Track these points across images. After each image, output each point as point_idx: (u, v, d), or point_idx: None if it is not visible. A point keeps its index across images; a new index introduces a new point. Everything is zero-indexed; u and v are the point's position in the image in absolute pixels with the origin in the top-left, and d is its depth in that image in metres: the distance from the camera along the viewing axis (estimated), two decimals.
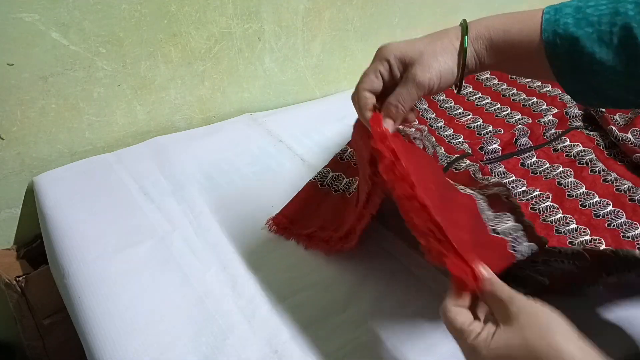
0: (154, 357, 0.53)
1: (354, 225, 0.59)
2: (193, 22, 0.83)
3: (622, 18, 0.42)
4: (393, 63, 0.48)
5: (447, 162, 0.72)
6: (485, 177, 0.69)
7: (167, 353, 0.54)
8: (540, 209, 0.68)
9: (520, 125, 0.82)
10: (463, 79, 0.49)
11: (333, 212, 0.68)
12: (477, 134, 0.83)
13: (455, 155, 0.74)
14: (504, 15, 0.48)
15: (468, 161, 0.73)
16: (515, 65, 0.49)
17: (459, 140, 0.81)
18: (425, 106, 0.90)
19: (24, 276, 0.78)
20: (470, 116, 0.88)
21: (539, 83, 0.98)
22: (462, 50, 0.47)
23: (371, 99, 0.49)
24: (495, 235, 0.51)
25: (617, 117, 0.84)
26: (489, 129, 0.83)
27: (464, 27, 0.47)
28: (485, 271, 0.40)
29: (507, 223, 0.53)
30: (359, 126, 0.53)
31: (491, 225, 0.52)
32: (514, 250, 0.50)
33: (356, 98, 0.50)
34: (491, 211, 0.55)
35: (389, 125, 0.48)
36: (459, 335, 0.40)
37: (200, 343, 0.55)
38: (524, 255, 0.50)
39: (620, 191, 0.70)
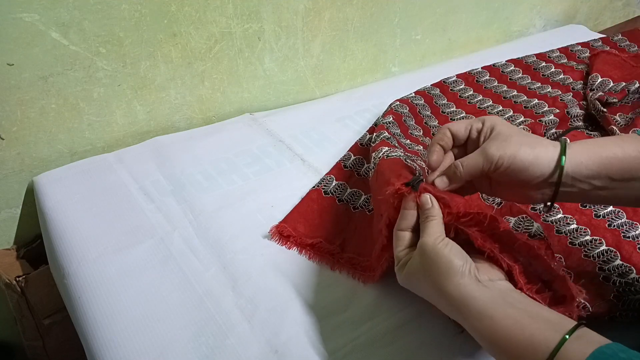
0: (154, 357, 0.53)
1: (378, 257, 0.58)
2: (193, 22, 0.83)
3: None
4: (486, 127, 0.48)
5: None
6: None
7: (167, 353, 0.54)
8: (541, 209, 0.68)
9: (522, 126, 0.82)
10: (555, 197, 0.46)
11: (336, 223, 0.68)
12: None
13: None
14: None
15: None
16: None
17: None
18: (428, 113, 0.89)
19: (24, 276, 0.78)
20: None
21: (539, 84, 0.98)
22: (559, 166, 0.44)
23: (448, 140, 0.50)
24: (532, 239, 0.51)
25: (617, 117, 0.84)
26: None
27: (563, 146, 0.45)
28: (425, 198, 0.47)
29: (534, 225, 0.53)
30: (391, 163, 0.53)
31: (524, 231, 0.52)
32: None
33: (437, 133, 0.50)
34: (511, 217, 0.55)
35: (441, 182, 0.49)
36: (396, 261, 0.48)
37: (200, 343, 0.55)
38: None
39: None
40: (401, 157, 0.61)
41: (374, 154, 0.67)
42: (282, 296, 0.60)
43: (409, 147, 0.74)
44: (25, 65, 0.72)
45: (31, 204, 0.82)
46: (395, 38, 1.09)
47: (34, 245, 0.85)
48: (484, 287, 0.42)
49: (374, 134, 0.75)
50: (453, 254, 0.43)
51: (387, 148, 0.65)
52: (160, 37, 0.81)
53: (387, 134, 0.73)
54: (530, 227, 0.58)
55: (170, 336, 0.55)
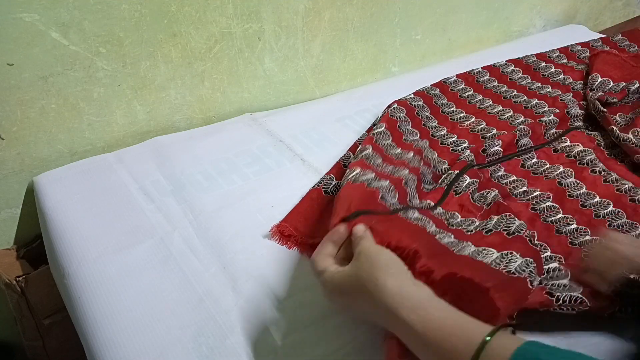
0: (154, 357, 0.53)
1: None
2: (193, 22, 0.83)
3: None
4: None
5: (447, 184, 0.70)
6: (484, 197, 0.67)
7: (167, 353, 0.54)
8: (541, 209, 0.68)
9: (521, 126, 0.82)
10: None
11: None
12: (482, 137, 0.82)
13: (456, 172, 0.72)
14: None
15: (468, 178, 0.71)
16: None
17: (464, 146, 0.80)
18: (427, 113, 0.88)
19: (24, 276, 0.78)
20: (473, 119, 0.87)
21: (539, 84, 0.98)
22: None
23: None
24: (510, 275, 0.51)
25: (617, 117, 0.84)
26: (492, 132, 0.83)
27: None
28: (359, 227, 0.49)
29: (517, 262, 0.53)
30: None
31: (502, 268, 0.52)
32: (532, 286, 0.51)
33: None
34: (497, 253, 0.54)
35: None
36: (318, 275, 0.48)
37: (200, 343, 0.55)
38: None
39: (621, 191, 0.69)
40: (365, 183, 0.61)
41: (347, 171, 0.67)
42: (282, 296, 0.60)
43: (397, 158, 0.73)
44: (25, 65, 0.72)
45: (31, 204, 0.82)
46: (395, 38, 1.09)
47: (34, 245, 0.85)
48: (420, 286, 0.44)
49: (359, 147, 0.74)
50: (394, 255, 0.47)
51: (358, 170, 0.64)
52: (160, 37, 0.81)
53: (369, 150, 0.71)
54: (511, 225, 0.59)
55: (170, 336, 0.55)
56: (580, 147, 0.78)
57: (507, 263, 0.52)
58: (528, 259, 0.53)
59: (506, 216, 0.61)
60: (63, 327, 0.82)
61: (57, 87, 0.76)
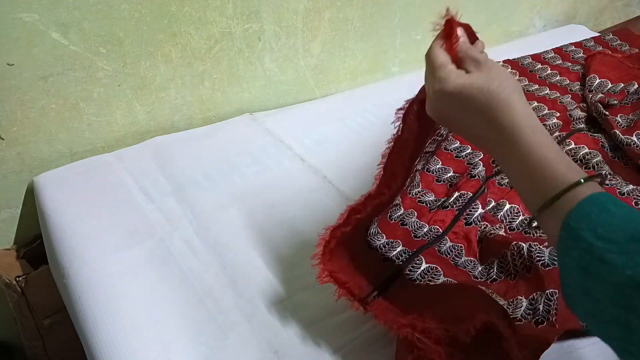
0: (154, 357, 0.53)
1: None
2: (193, 22, 0.83)
3: None
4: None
5: (458, 208, 0.67)
6: (495, 231, 0.66)
7: (167, 353, 0.54)
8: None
9: None
10: None
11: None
12: None
13: (469, 196, 0.68)
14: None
15: (480, 208, 0.67)
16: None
17: (478, 159, 0.75)
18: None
19: (24, 276, 0.78)
20: None
21: (537, 86, 0.98)
22: None
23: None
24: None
25: (618, 118, 0.84)
26: None
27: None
28: (461, 34, 0.48)
29: (522, 306, 0.53)
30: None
31: (511, 312, 0.53)
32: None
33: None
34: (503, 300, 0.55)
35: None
36: (436, 69, 0.45)
37: (200, 343, 0.55)
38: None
39: (623, 194, 0.70)
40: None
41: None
42: (282, 296, 0.60)
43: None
44: (25, 65, 0.72)
45: (31, 204, 0.82)
46: (395, 38, 1.09)
47: (34, 245, 0.85)
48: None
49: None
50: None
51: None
52: (160, 37, 0.81)
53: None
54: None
55: (170, 336, 0.55)
56: (586, 150, 0.78)
57: (513, 310, 0.53)
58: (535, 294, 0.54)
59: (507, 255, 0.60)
60: (63, 327, 0.82)
61: (57, 87, 0.76)
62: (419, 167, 0.70)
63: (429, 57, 0.47)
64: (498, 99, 0.43)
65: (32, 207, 0.82)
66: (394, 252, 0.60)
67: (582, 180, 0.39)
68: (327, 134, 0.89)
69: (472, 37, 0.48)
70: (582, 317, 0.39)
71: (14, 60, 0.71)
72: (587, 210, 0.37)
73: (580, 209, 0.37)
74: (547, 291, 0.53)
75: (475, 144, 0.47)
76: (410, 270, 0.58)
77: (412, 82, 0.96)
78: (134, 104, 0.85)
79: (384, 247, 0.61)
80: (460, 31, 0.48)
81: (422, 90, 0.50)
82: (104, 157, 0.83)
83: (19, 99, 0.74)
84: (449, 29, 0.48)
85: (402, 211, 0.66)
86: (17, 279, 0.78)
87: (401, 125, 0.53)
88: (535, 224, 0.42)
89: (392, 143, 0.54)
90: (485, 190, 0.71)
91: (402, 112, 0.53)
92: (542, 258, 0.57)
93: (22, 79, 0.73)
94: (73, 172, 0.79)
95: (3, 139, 0.76)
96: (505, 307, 0.53)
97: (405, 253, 0.60)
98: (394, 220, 0.65)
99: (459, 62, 0.46)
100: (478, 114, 0.44)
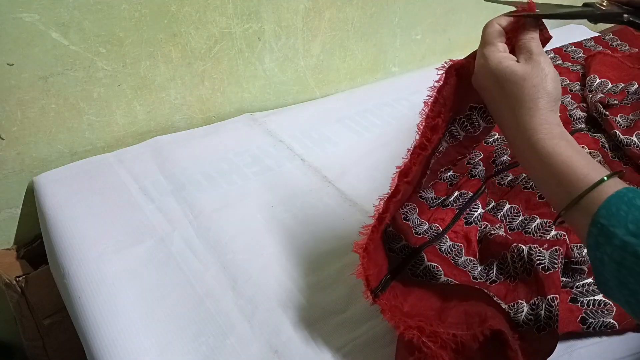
0: (154, 357, 0.53)
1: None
2: (193, 22, 0.83)
3: None
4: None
5: (458, 207, 0.67)
6: (495, 231, 0.65)
7: (167, 353, 0.54)
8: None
9: None
10: None
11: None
12: (496, 148, 0.80)
13: (470, 195, 0.68)
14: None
15: (480, 208, 0.67)
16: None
17: (478, 159, 0.76)
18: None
19: (24, 276, 0.78)
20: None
21: None
22: None
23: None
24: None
25: (618, 118, 0.84)
26: (496, 137, 0.82)
27: None
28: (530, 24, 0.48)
29: (523, 311, 0.53)
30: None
31: (512, 316, 0.53)
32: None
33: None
34: (503, 303, 0.55)
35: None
36: (490, 42, 0.48)
37: (200, 343, 0.55)
38: None
39: None
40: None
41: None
42: (282, 296, 0.60)
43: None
44: (25, 65, 0.72)
45: (31, 204, 0.82)
46: (395, 38, 1.09)
47: (34, 245, 0.85)
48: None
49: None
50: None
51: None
52: (160, 37, 0.81)
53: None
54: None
55: (170, 336, 0.55)
56: (586, 150, 0.78)
57: (514, 314, 0.53)
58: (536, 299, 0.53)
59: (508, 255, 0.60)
60: (63, 327, 0.82)
61: (57, 87, 0.76)
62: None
63: (484, 30, 0.49)
64: (526, 96, 0.45)
65: (32, 207, 0.82)
66: (398, 246, 0.61)
67: (605, 178, 0.40)
68: (327, 134, 0.89)
69: (542, 28, 0.50)
70: (623, 305, 0.40)
71: (14, 60, 0.71)
72: (616, 207, 0.38)
73: (608, 206, 0.39)
74: (548, 297, 0.53)
75: (499, 126, 0.49)
76: (413, 266, 0.58)
77: (412, 82, 0.98)
78: (134, 104, 0.85)
79: (391, 236, 0.61)
80: (535, 23, 0.48)
81: (472, 54, 0.51)
82: (104, 157, 0.83)
83: (19, 99, 0.74)
84: (523, 11, 0.49)
85: (407, 204, 0.66)
86: (17, 279, 0.78)
87: (444, 76, 0.54)
88: (561, 220, 0.43)
89: (433, 96, 0.55)
90: (485, 190, 0.71)
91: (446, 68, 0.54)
92: (543, 261, 0.57)
93: (22, 79, 0.73)
94: (73, 172, 0.79)
95: (3, 139, 0.76)
96: (507, 310, 0.53)
97: (407, 249, 0.60)
98: (400, 212, 0.65)
99: (517, 48, 0.48)
100: (507, 103, 0.46)
